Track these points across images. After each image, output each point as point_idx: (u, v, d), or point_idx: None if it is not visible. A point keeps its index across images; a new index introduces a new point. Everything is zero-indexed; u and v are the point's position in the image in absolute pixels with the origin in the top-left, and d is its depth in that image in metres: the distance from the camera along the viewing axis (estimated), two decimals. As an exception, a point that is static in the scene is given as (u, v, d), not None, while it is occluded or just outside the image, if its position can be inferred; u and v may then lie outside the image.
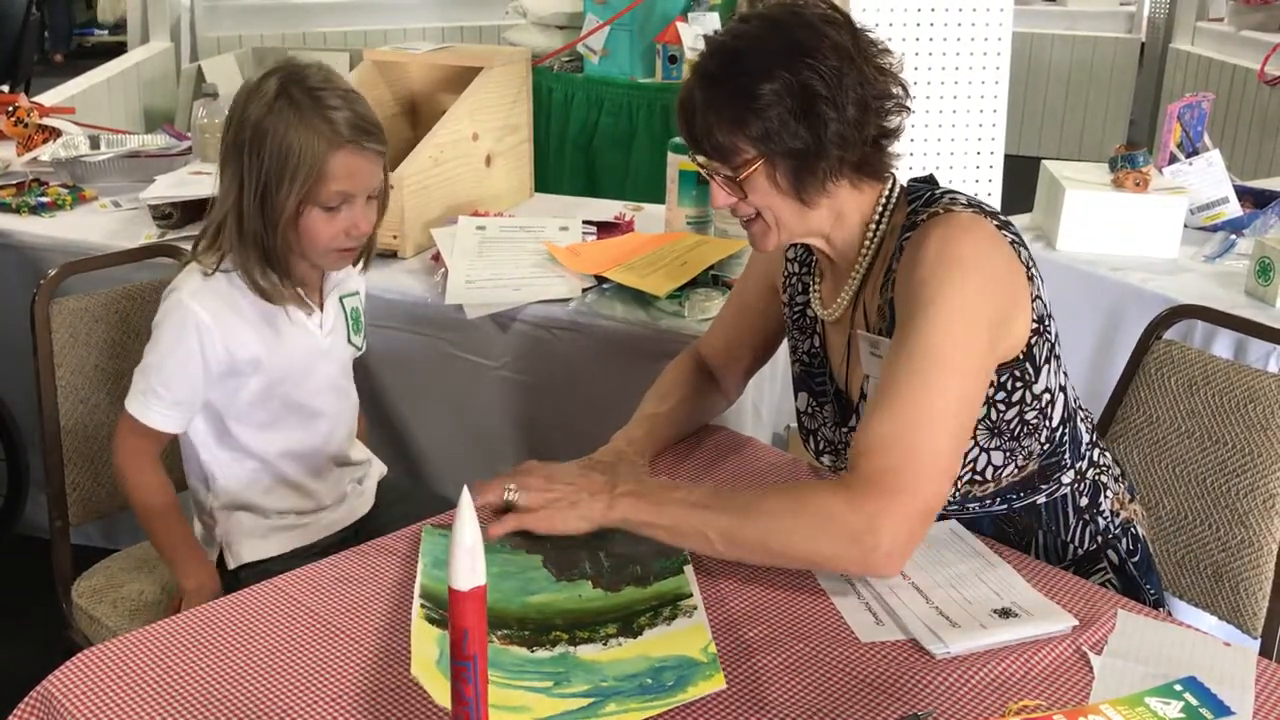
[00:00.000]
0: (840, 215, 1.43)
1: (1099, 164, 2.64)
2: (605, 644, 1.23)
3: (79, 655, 1.20)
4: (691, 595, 1.30)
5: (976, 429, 1.39)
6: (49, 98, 3.77)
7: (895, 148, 1.43)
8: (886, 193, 1.44)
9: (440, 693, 1.07)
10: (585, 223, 2.48)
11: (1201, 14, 5.53)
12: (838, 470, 1.57)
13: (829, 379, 1.55)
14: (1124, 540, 1.54)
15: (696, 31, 3.93)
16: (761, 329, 1.69)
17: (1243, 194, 2.70)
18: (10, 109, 3.06)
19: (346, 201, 1.61)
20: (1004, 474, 1.45)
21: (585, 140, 4.10)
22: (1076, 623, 1.26)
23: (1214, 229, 2.61)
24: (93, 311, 1.88)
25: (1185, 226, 2.51)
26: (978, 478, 1.44)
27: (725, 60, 1.36)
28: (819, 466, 1.60)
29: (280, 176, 1.57)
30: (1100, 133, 6.48)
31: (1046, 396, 1.43)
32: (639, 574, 1.35)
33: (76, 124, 3.14)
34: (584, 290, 2.22)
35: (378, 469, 1.94)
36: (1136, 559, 1.54)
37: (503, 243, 2.37)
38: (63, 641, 1.83)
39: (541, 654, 1.21)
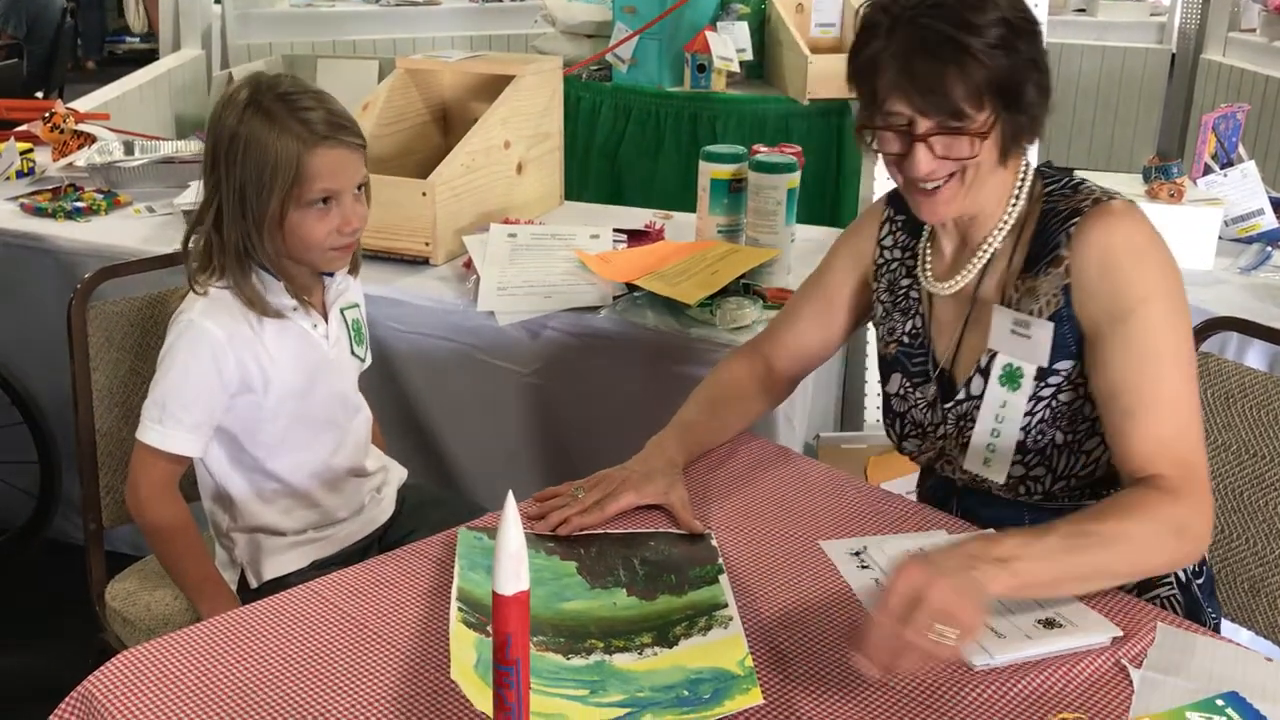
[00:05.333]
0: (997, 186, 1.44)
1: (1132, 175, 2.63)
2: (640, 653, 1.23)
3: (119, 656, 1.21)
4: (727, 605, 1.29)
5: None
6: (83, 104, 3.80)
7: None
8: (1023, 166, 1.46)
9: (479, 697, 1.06)
10: (616, 230, 2.48)
11: (1233, 25, 5.49)
12: (924, 452, 1.57)
13: (929, 358, 1.56)
14: None
15: (725, 40, 3.93)
16: (838, 328, 1.69)
17: (1278, 205, 2.67)
18: (47, 115, 3.09)
19: (334, 198, 1.62)
20: (1098, 460, 1.46)
21: (612, 148, 4.11)
22: (1120, 633, 1.25)
23: (1249, 241, 2.59)
24: (128, 316, 1.90)
25: (1220, 238, 2.49)
26: (1086, 460, 1.46)
27: (955, 13, 1.33)
28: (910, 450, 1.60)
29: (259, 181, 1.58)
30: (1130, 143, 6.43)
31: None
32: (674, 582, 1.35)
33: (111, 130, 3.18)
34: (615, 298, 2.22)
35: (397, 475, 1.94)
36: (1201, 580, 1.53)
37: (534, 250, 2.37)
38: (95, 644, 1.84)
39: (577, 662, 1.21)
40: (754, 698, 1.13)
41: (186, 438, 1.65)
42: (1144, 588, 1.47)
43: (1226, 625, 1.72)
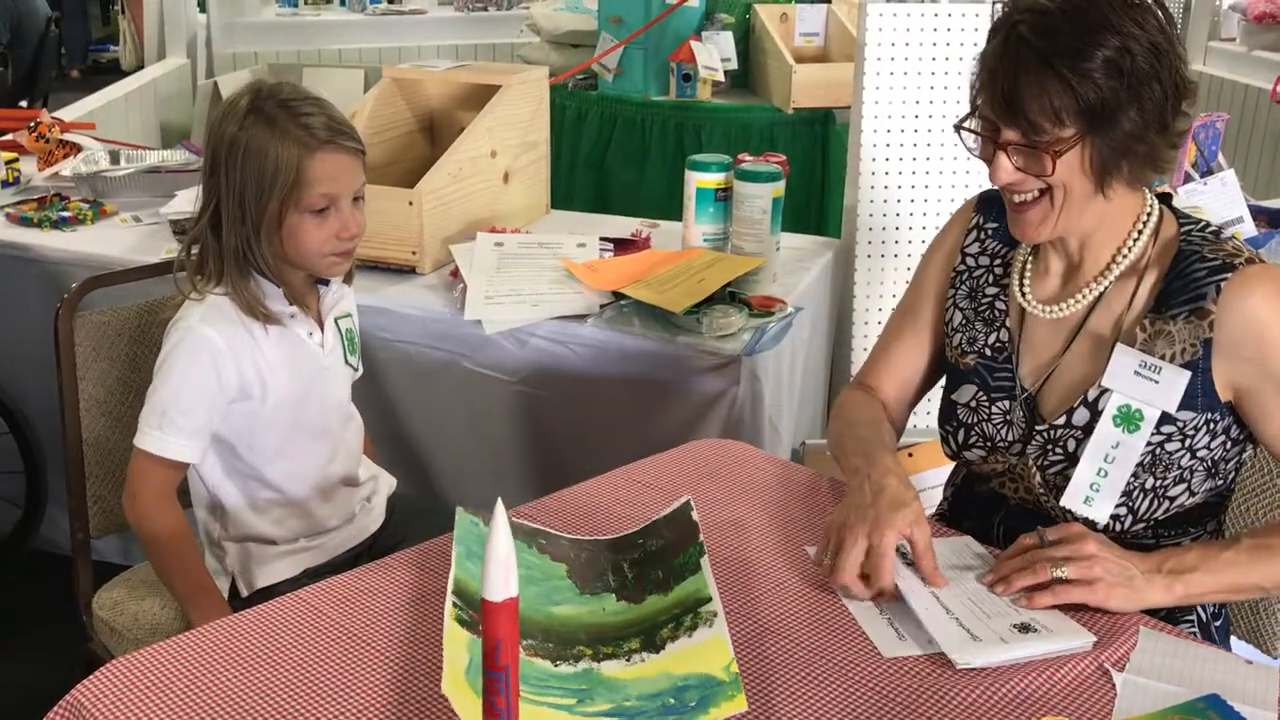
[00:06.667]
0: (1108, 216, 1.42)
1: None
2: (629, 660, 1.23)
3: (108, 665, 1.21)
4: (711, 599, 1.29)
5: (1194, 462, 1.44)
6: (68, 113, 3.80)
7: (1175, 154, 1.42)
8: (1149, 205, 1.45)
9: (468, 711, 1.06)
10: (602, 239, 2.49)
11: (1213, 34, 5.53)
12: (987, 464, 1.54)
13: (1015, 377, 1.52)
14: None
15: (710, 49, 3.95)
16: (939, 352, 1.63)
17: (1257, 213, 2.70)
18: (32, 124, 3.08)
19: (333, 204, 1.64)
20: (1175, 505, 1.46)
21: (598, 158, 4.12)
22: (1095, 639, 1.26)
23: (1229, 248, 2.61)
24: (115, 325, 1.90)
25: (1200, 246, 2.51)
26: (1169, 506, 1.46)
27: (1057, 21, 1.31)
28: (971, 460, 1.56)
29: (259, 186, 1.59)
30: (1111, 152, 6.46)
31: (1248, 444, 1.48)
32: (660, 579, 1.36)
33: (96, 139, 3.17)
34: (602, 306, 2.23)
35: (386, 484, 1.94)
36: (1219, 623, 1.54)
37: (521, 259, 2.38)
38: (83, 654, 1.84)
39: (565, 669, 1.22)
40: (739, 705, 1.14)
41: (186, 444, 1.65)
42: (1169, 619, 1.47)
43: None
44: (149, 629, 1.77)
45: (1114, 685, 1.21)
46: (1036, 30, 1.32)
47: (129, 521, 1.71)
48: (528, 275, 2.32)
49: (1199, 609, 1.50)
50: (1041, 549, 1.33)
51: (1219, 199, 2.63)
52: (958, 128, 1.42)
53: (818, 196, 3.90)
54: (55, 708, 1.19)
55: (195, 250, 1.69)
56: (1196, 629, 1.50)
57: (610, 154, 4.10)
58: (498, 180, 2.61)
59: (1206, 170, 2.69)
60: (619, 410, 2.20)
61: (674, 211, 2.59)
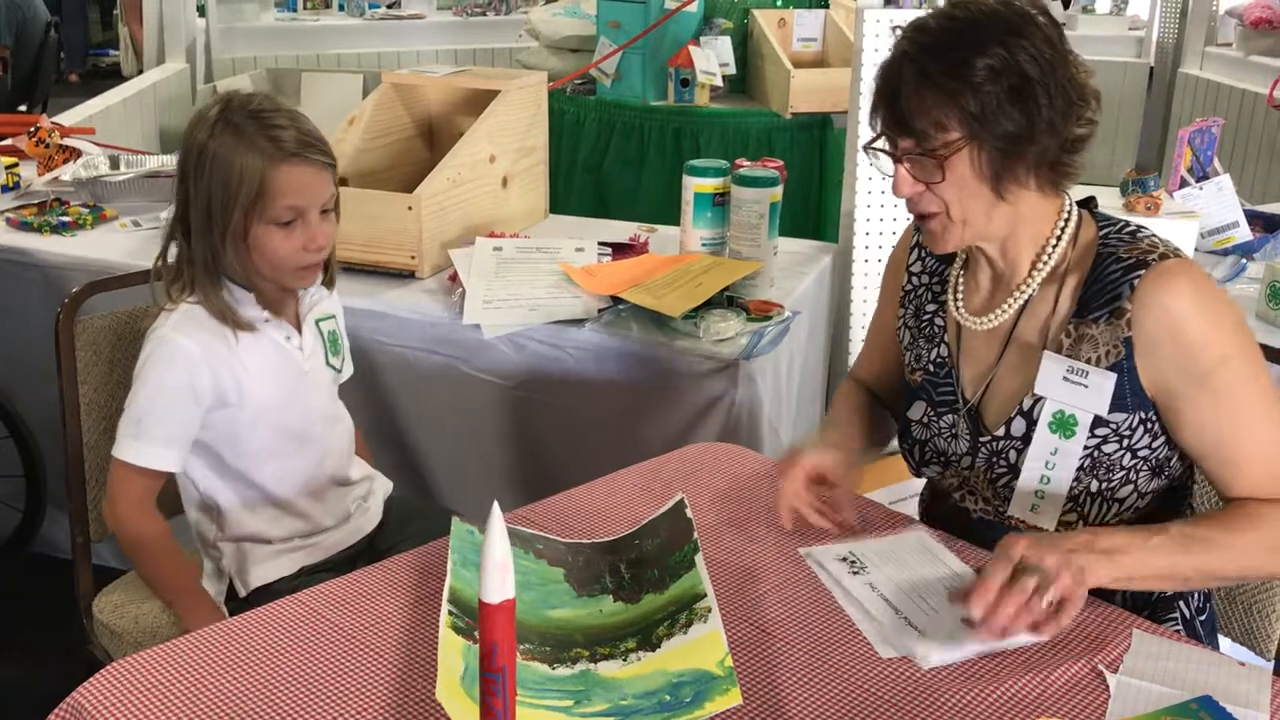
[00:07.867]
0: (1021, 222, 1.43)
1: (1110, 188, 2.67)
2: (625, 659, 1.24)
3: (109, 667, 1.22)
4: (705, 595, 1.30)
5: (1140, 464, 1.44)
6: (67, 118, 3.81)
7: (1079, 159, 1.43)
8: (1066, 209, 1.45)
9: (463, 716, 1.07)
10: (601, 244, 2.50)
11: (1210, 39, 5.55)
12: (945, 479, 1.56)
13: (956, 389, 1.54)
14: (1195, 596, 1.53)
15: (708, 54, 3.97)
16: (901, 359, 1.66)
17: (1252, 218, 2.72)
18: (32, 129, 3.09)
19: (300, 217, 1.63)
20: (1126, 508, 1.46)
21: (596, 162, 4.14)
22: (1046, 637, 1.27)
23: (1224, 253, 2.63)
24: (115, 330, 1.90)
25: (1196, 250, 2.53)
26: (1120, 509, 1.46)
27: (938, 36, 1.36)
28: (931, 475, 1.59)
29: (224, 196, 1.59)
30: (1109, 156, 6.48)
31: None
32: (656, 577, 1.37)
33: (96, 144, 3.18)
34: (600, 311, 2.24)
35: (383, 486, 1.94)
36: (1204, 617, 1.54)
37: (519, 263, 2.39)
38: (83, 656, 1.84)
39: (562, 671, 1.22)
40: (733, 698, 1.15)
41: (163, 453, 1.65)
42: (1152, 617, 1.48)
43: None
44: (149, 632, 1.78)
45: (1107, 687, 1.21)
46: (918, 46, 1.36)
47: (110, 528, 1.71)
48: (526, 280, 2.33)
49: (1182, 605, 1.51)
50: (1021, 580, 1.25)
51: (1214, 203, 2.65)
52: (867, 148, 1.45)
53: (815, 201, 3.91)
54: (56, 710, 1.19)
55: (173, 258, 1.69)
56: (1181, 626, 1.50)
57: (608, 159, 4.12)
58: (496, 185, 2.62)
59: (1202, 175, 2.70)
60: (616, 414, 2.21)
61: (672, 216, 2.60)
